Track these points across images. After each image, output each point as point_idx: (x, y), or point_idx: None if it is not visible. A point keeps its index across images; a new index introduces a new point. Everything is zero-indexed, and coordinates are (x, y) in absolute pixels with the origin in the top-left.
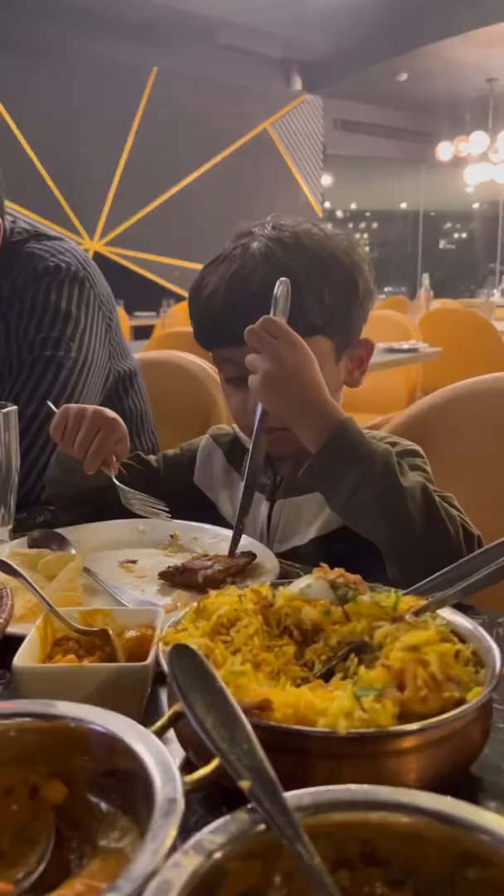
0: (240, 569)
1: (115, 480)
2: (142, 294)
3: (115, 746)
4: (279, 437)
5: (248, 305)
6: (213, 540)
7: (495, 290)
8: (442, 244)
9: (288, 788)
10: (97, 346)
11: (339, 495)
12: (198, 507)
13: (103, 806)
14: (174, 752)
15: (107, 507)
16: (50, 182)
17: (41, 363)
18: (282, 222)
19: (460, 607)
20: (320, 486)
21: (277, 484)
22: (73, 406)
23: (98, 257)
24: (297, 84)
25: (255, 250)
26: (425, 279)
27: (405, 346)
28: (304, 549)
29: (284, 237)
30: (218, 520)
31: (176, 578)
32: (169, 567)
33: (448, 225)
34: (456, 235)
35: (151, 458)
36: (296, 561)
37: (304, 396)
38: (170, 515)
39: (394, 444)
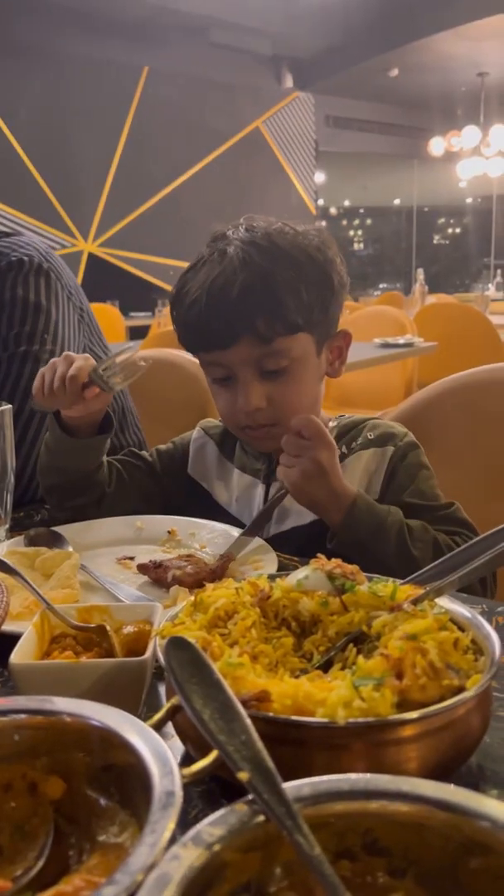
0: (212, 574)
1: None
2: (137, 294)
3: (112, 741)
4: (265, 434)
5: (230, 311)
6: (210, 535)
7: (490, 284)
8: (436, 239)
9: (288, 779)
10: (72, 336)
11: (364, 562)
12: (193, 498)
13: (102, 801)
14: (174, 747)
15: (104, 498)
16: (43, 184)
17: (18, 359)
18: (254, 224)
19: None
20: (349, 555)
21: (272, 468)
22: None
23: (92, 258)
24: (289, 81)
25: (233, 255)
26: (420, 274)
27: (401, 340)
28: (303, 528)
29: (258, 239)
30: (212, 507)
31: (150, 573)
32: (150, 560)
33: (442, 220)
34: (450, 230)
35: (144, 453)
36: (295, 542)
37: (329, 487)
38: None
39: (393, 435)
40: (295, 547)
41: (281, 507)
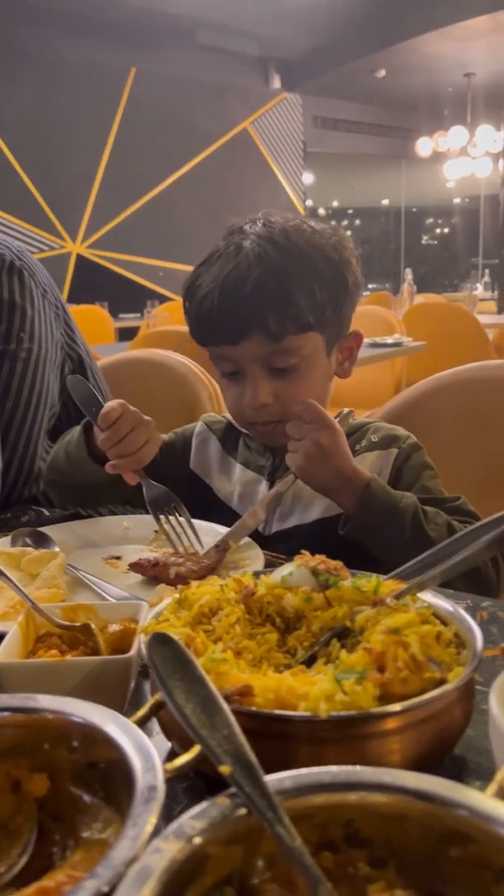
0: (211, 570)
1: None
2: (126, 296)
3: (95, 737)
4: (272, 430)
5: (242, 306)
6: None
7: (478, 284)
8: (424, 239)
9: (271, 773)
10: (49, 333)
11: (378, 547)
12: (194, 492)
13: (86, 798)
14: (159, 744)
15: (101, 506)
16: (31, 185)
17: None
18: (272, 219)
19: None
20: (363, 540)
21: (277, 465)
22: (131, 407)
23: (81, 260)
24: (276, 82)
25: (248, 250)
26: (408, 274)
27: (389, 340)
28: (306, 528)
29: (275, 235)
30: (213, 503)
31: (147, 571)
32: (141, 559)
33: (430, 220)
34: (438, 231)
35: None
36: (297, 540)
37: (336, 469)
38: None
39: (396, 437)
40: (296, 545)
41: (284, 506)
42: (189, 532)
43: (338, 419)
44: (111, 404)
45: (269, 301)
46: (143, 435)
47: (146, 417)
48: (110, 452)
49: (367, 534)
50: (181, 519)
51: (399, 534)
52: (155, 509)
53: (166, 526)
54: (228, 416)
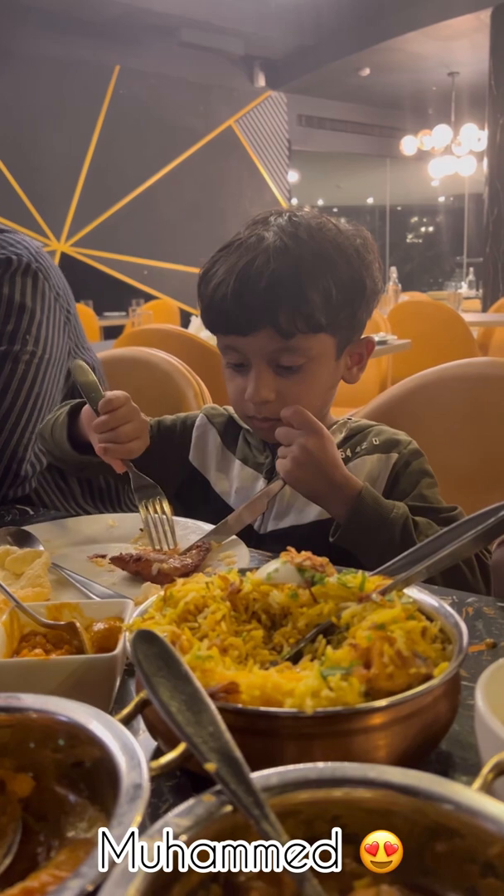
0: (194, 568)
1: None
2: (111, 294)
3: (79, 736)
4: (270, 427)
5: (255, 299)
6: (182, 532)
7: (462, 283)
8: (409, 238)
9: (257, 770)
10: (56, 338)
11: (367, 556)
12: (191, 485)
13: (71, 797)
14: (144, 743)
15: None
16: (14, 184)
17: None
18: (297, 214)
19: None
20: (352, 548)
21: (273, 462)
22: (133, 403)
23: (65, 258)
24: (261, 81)
25: (269, 244)
26: (393, 272)
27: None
28: (302, 529)
29: (298, 231)
30: (210, 497)
31: (129, 566)
32: (122, 553)
33: (414, 219)
34: (422, 229)
35: (149, 420)
36: (292, 541)
37: (325, 476)
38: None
39: (398, 442)
40: (292, 546)
41: (280, 505)
42: (167, 525)
43: (333, 427)
44: (117, 392)
45: (283, 297)
46: (136, 431)
47: (144, 418)
48: (102, 437)
49: (356, 542)
50: (163, 513)
51: (388, 543)
52: (140, 497)
53: (144, 513)
54: (230, 409)
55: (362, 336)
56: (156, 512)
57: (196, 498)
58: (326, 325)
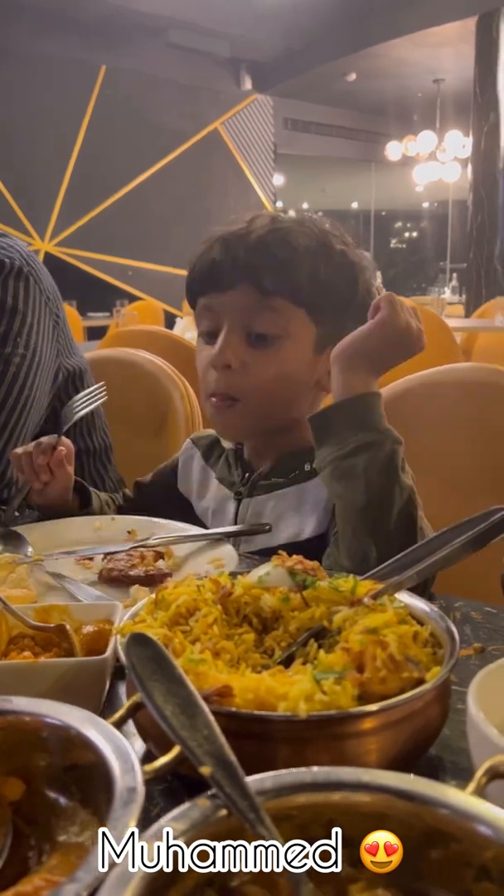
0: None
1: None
2: (95, 295)
3: (72, 739)
4: (223, 408)
5: (240, 255)
6: (170, 534)
7: (446, 288)
8: (393, 243)
9: (251, 773)
10: (45, 342)
11: (336, 449)
12: (182, 513)
13: (62, 801)
14: (135, 746)
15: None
16: None
17: None
18: (304, 215)
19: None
20: (325, 433)
21: (245, 482)
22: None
23: (49, 258)
24: (247, 84)
25: (264, 216)
26: (377, 277)
27: None
28: (299, 545)
29: (299, 219)
30: (195, 520)
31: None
32: (103, 570)
33: (399, 224)
34: (407, 234)
35: (148, 476)
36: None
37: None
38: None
39: None
40: None
41: (276, 523)
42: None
43: None
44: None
45: (268, 257)
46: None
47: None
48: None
49: (335, 429)
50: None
51: (368, 450)
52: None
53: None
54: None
55: None
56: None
57: (185, 519)
58: (308, 302)
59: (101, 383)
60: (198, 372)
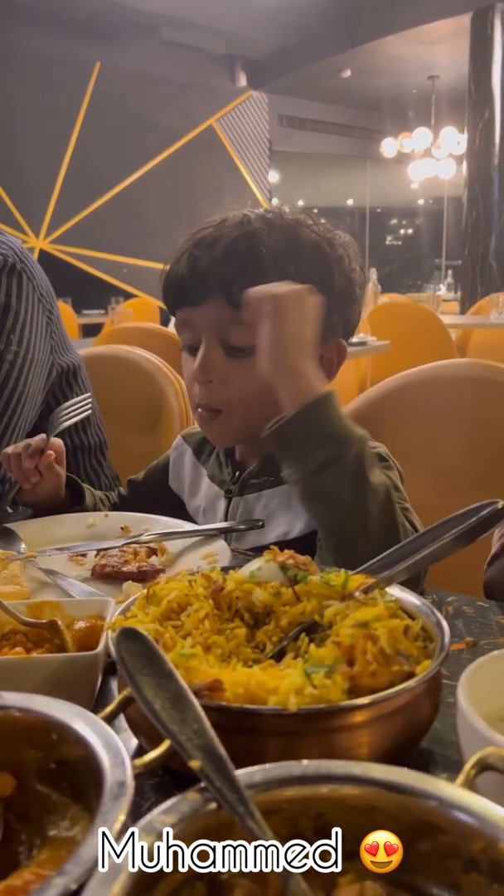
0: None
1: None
2: (90, 292)
3: (62, 734)
4: (210, 418)
5: (210, 266)
6: (164, 530)
7: (441, 285)
8: (388, 240)
9: (241, 767)
10: (38, 339)
11: (302, 468)
12: (175, 510)
13: (53, 795)
14: (126, 742)
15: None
16: None
17: None
18: (278, 207)
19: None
20: (286, 450)
21: (236, 480)
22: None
23: (44, 255)
24: (242, 80)
25: (232, 218)
26: (373, 274)
27: (354, 339)
28: (289, 543)
29: (267, 214)
30: (188, 519)
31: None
32: (96, 566)
33: (394, 221)
34: (402, 231)
35: (140, 474)
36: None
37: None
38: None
39: None
40: None
41: (266, 522)
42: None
43: None
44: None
45: (237, 266)
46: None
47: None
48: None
49: (294, 446)
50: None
51: (334, 464)
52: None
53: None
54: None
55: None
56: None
57: (177, 516)
58: None
59: (88, 394)
60: (185, 382)
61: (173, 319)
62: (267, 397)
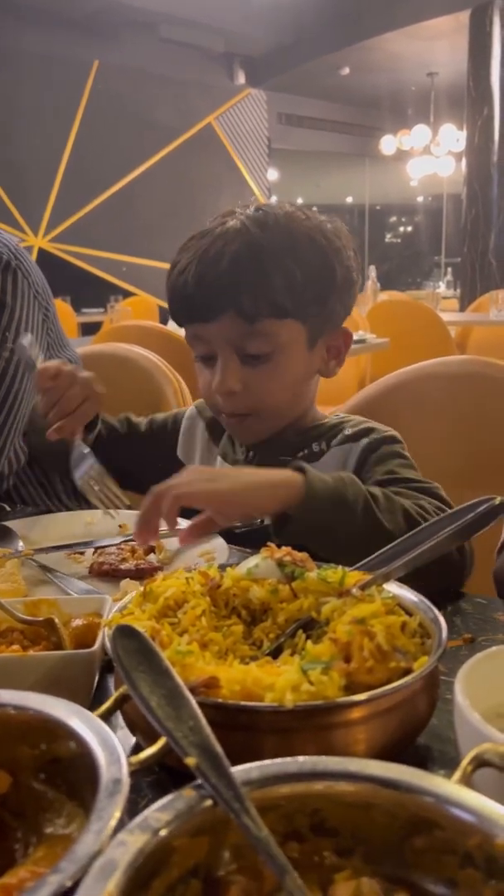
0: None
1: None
2: (89, 290)
3: (58, 732)
4: (238, 423)
5: (216, 282)
6: (163, 528)
7: (440, 282)
8: (388, 237)
9: (238, 764)
10: (34, 336)
11: (327, 548)
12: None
13: (49, 793)
14: (123, 739)
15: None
16: None
17: None
18: (267, 205)
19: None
20: (314, 542)
21: (251, 460)
22: (68, 366)
23: (43, 254)
24: (241, 78)
25: (231, 227)
26: (372, 272)
27: (353, 336)
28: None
29: (262, 217)
30: None
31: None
32: (94, 564)
33: (393, 218)
34: (401, 229)
35: (142, 420)
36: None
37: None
38: (126, 506)
39: (371, 430)
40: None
41: None
42: (112, 491)
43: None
44: (48, 363)
45: (244, 279)
46: (81, 391)
47: (84, 373)
48: (52, 414)
49: (313, 535)
50: (103, 485)
51: (349, 530)
52: (78, 473)
53: (89, 484)
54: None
55: (339, 328)
56: (98, 482)
57: None
58: (292, 310)
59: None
60: (201, 392)
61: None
62: (289, 394)
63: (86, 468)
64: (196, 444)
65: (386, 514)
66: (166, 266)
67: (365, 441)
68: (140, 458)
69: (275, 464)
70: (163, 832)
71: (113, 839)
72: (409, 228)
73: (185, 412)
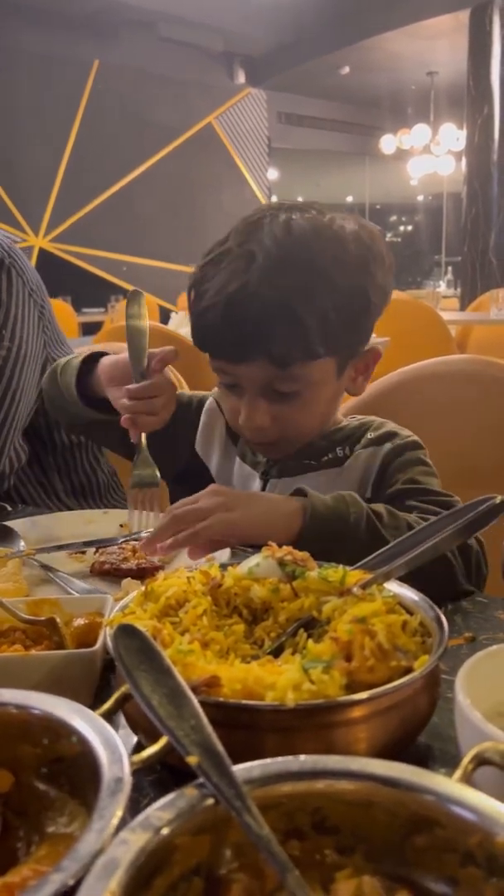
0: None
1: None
2: (89, 290)
3: (60, 731)
4: (265, 449)
5: (246, 327)
6: None
7: (441, 282)
8: (388, 236)
9: (239, 763)
10: (30, 334)
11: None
12: (196, 471)
13: (51, 792)
14: (125, 738)
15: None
16: None
17: None
18: (293, 218)
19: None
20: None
21: (272, 463)
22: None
23: (44, 254)
24: (241, 78)
25: (260, 265)
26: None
27: (381, 348)
28: None
29: (291, 245)
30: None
31: (103, 572)
32: (95, 563)
33: (394, 217)
34: (402, 228)
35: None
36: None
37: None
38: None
39: (393, 435)
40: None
41: None
42: (153, 512)
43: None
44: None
45: (276, 326)
46: (169, 402)
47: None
48: (135, 405)
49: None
50: (151, 509)
51: (353, 547)
52: (135, 482)
53: (134, 498)
54: None
55: (368, 347)
56: (144, 505)
57: (198, 486)
58: (325, 352)
59: None
60: (225, 414)
61: (173, 317)
62: (318, 420)
63: (144, 477)
64: (215, 442)
65: (390, 531)
66: (166, 265)
67: (388, 446)
68: (161, 433)
69: (298, 468)
70: (164, 831)
71: (115, 838)
72: (410, 227)
73: (206, 400)
